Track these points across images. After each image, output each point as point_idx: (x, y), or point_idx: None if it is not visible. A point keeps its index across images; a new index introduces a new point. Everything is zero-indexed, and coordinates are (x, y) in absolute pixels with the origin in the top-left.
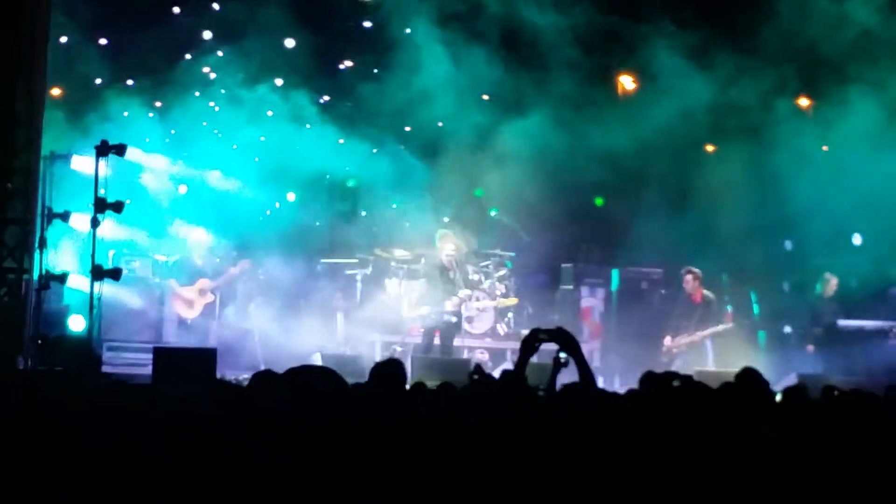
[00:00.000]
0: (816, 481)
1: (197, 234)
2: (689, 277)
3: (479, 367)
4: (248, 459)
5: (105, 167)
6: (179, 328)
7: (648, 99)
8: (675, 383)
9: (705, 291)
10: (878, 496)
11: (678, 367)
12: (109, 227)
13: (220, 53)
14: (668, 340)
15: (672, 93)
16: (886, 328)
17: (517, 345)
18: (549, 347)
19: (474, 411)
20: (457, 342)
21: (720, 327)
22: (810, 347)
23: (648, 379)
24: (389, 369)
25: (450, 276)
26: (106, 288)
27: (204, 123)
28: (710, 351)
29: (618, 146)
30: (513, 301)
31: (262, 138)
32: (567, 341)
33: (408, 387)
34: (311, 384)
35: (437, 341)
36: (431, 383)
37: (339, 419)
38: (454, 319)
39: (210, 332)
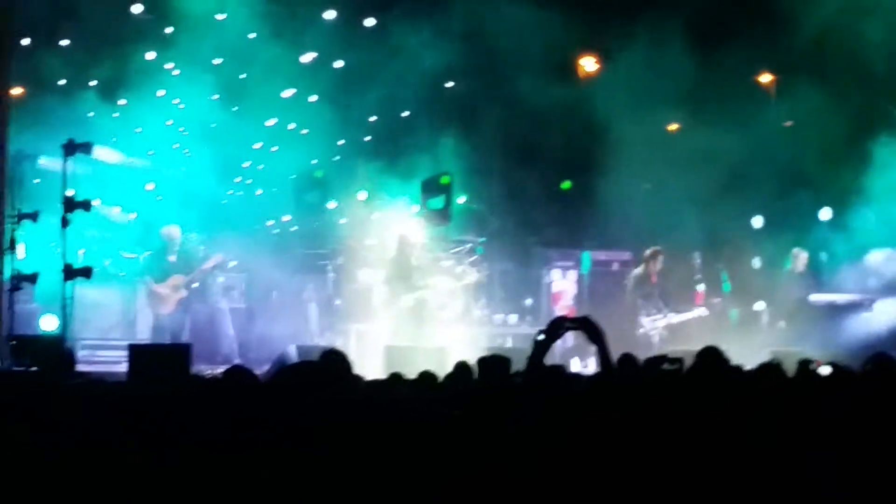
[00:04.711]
0: (795, 452)
1: (168, 231)
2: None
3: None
4: (219, 455)
5: (73, 166)
6: (153, 325)
7: (610, 79)
8: (666, 366)
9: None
10: (858, 468)
11: (658, 348)
12: (79, 226)
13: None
14: (648, 322)
15: (635, 72)
16: (859, 301)
17: (491, 330)
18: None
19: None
20: (429, 329)
21: (695, 313)
22: (782, 323)
23: (627, 361)
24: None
25: (411, 262)
26: (78, 287)
27: (168, 122)
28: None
29: (584, 128)
30: (479, 279)
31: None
32: (593, 330)
33: (383, 378)
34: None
35: None
36: (408, 374)
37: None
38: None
39: (184, 328)
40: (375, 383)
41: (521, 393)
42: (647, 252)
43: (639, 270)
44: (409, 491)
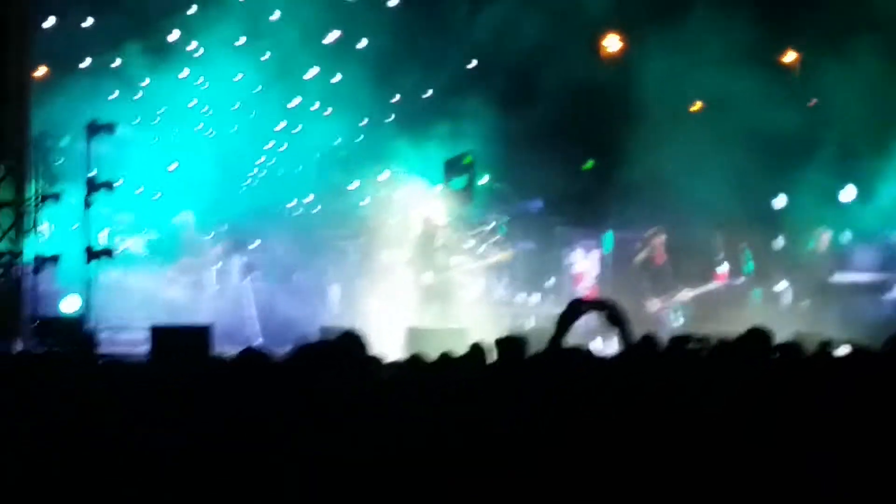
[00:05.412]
0: (813, 434)
1: (183, 213)
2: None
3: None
4: (234, 435)
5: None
6: (171, 307)
7: (634, 58)
8: (692, 345)
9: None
10: (876, 447)
11: (676, 328)
12: (101, 206)
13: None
14: (658, 302)
15: (660, 51)
16: (881, 281)
17: (513, 310)
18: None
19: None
20: (451, 310)
21: (711, 286)
22: (805, 303)
23: (649, 341)
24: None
25: (435, 243)
26: (100, 268)
27: (191, 104)
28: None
29: (607, 108)
30: (505, 256)
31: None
32: (613, 312)
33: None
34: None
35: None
36: (429, 355)
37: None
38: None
39: (201, 310)
40: (395, 365)
41: (533, 380)
42: (648, 233)
43: (643, 253)
44: (410, 490)
